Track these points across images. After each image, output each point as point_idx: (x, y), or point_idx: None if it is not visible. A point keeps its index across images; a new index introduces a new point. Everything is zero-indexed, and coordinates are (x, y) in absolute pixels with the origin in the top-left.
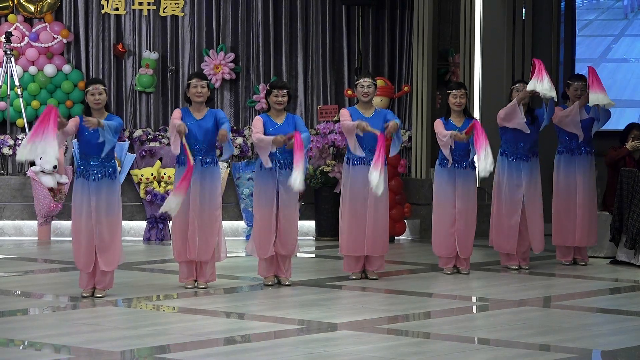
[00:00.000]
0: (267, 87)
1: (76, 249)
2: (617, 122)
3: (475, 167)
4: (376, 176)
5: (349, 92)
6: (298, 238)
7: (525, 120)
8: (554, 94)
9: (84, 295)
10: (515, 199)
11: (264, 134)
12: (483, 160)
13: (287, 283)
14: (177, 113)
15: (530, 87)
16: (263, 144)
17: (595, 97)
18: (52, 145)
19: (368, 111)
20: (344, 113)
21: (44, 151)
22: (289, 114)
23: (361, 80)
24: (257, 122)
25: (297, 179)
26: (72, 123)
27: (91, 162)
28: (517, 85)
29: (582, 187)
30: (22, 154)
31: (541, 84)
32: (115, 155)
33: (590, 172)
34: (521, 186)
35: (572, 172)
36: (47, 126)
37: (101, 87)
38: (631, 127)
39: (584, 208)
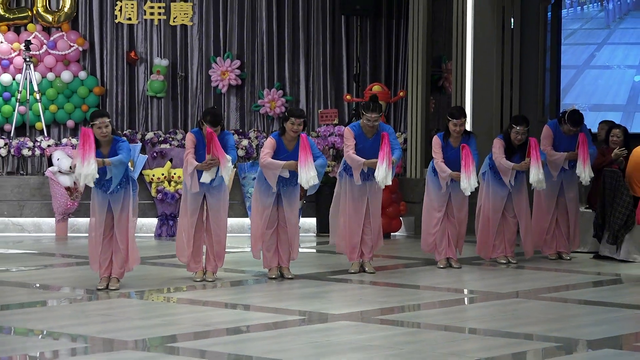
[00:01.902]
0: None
1: (90, 250)
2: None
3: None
4: (382, 172)
5: (348, 97)
6: (300, 234)
7: (513, 184)
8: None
9: (99, 288)
10: (499, 210)
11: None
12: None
13: (289, 276)
14: (190, 142)
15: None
16: (273, 166)
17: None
18: (93, 164)
19: (370, 132)
20: (348, 136)
21: (88, 171)
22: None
23: (368, 115)
24: (270, 143)
25: (302, 179)
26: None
27: (106, 178)
28: (518, 127)
29: (568, 196)
30: (85, 178)
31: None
32: None
33: (574, 184)
34: (504, 199)
35: (555, 182)
36: (88, 149)
37: (107, 119)
38: (610, 127)
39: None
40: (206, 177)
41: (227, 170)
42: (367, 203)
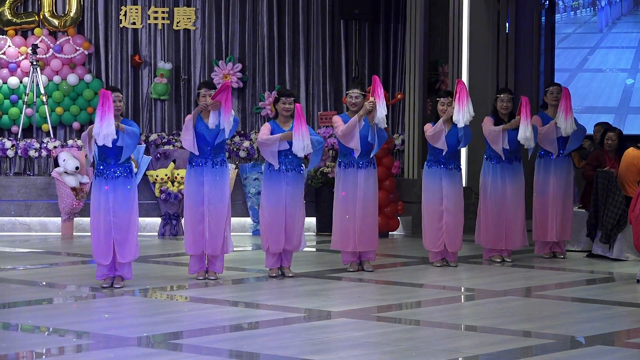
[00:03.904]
0: (276, 95)
1: (94, 243)
2: (591, 128)
3: (461, 168)
4: (383, 109)
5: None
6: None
7: (507, 147)
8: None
9: (104, 286)
10: (500, 200)
11: None
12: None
13: (290, 275)
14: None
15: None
16: (271, 141)
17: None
18: (112, 124)
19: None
20: (337, 120)
21: (108, 131)
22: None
23: (350, 92)
24: (266, 127)
25: (296, 147)
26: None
27: (110, 163)
28: (502, 95)
29: (558, 186)
30: (105, 138)
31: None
32: (132, 156)
33: (567, 174)
34: (505, 188)
35: (549, 173)
36: (108, 110)
37: (120, 94)
38: (605, 129)
39: (560, 206)
40: (210, 122)
41: (229, 125)
42: (358, 194)
